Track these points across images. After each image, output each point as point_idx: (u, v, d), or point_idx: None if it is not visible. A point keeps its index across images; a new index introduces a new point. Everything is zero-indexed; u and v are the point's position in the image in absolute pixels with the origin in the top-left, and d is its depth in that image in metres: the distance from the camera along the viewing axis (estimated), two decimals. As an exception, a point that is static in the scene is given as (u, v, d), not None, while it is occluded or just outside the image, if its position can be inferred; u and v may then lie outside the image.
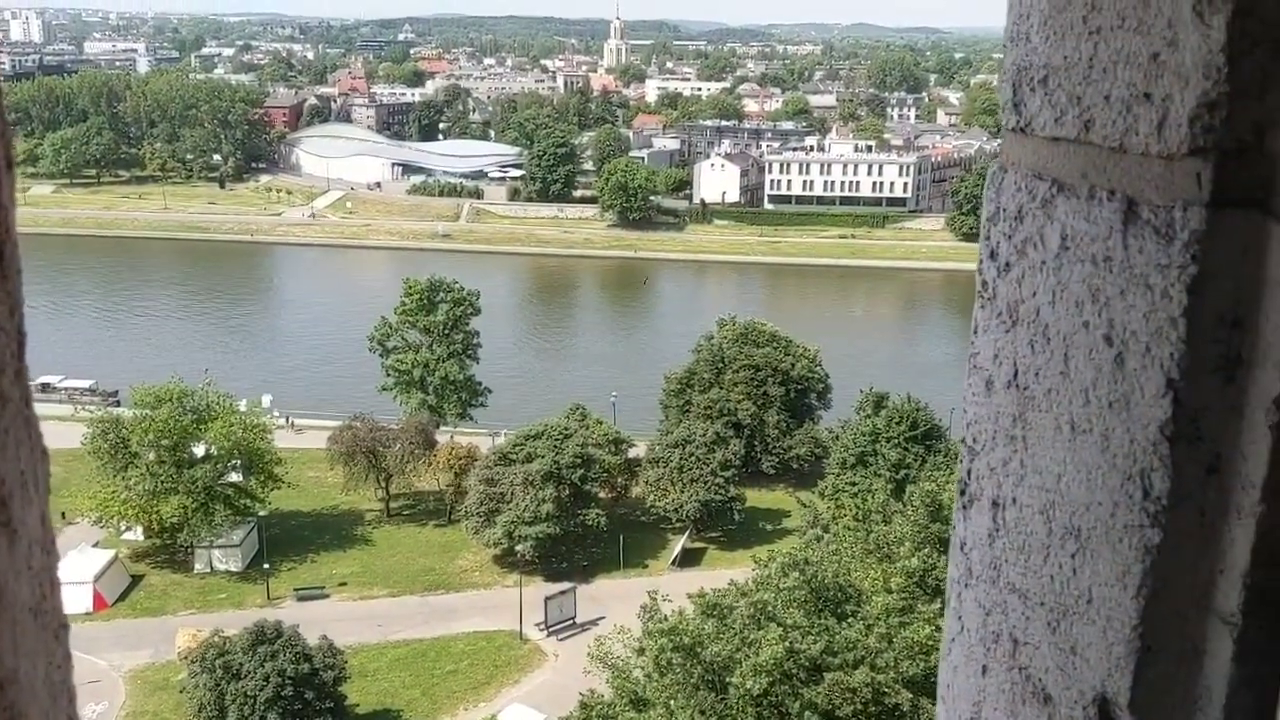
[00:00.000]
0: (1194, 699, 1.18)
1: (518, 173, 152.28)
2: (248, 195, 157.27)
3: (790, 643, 29.15)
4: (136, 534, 54.69)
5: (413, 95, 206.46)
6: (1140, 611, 1.21)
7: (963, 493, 1.53)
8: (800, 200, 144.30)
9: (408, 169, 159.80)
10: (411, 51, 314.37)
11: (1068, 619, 1.32)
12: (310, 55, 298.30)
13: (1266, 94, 1.07)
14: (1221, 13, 1.06)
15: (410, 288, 70.99)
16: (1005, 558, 1.44)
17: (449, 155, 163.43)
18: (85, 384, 75.18)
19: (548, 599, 49.15)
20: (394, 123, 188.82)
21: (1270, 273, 1.08)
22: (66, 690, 0.96)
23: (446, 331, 69.63)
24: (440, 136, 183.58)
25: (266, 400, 66.67)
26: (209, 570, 53.83)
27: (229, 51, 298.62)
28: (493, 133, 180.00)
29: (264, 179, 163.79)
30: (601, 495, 57.06)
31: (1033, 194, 1.34)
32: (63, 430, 52.27)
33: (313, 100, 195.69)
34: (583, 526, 53.22)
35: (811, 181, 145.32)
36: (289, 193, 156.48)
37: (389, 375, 70.06)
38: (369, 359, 72.59)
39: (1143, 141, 1.17)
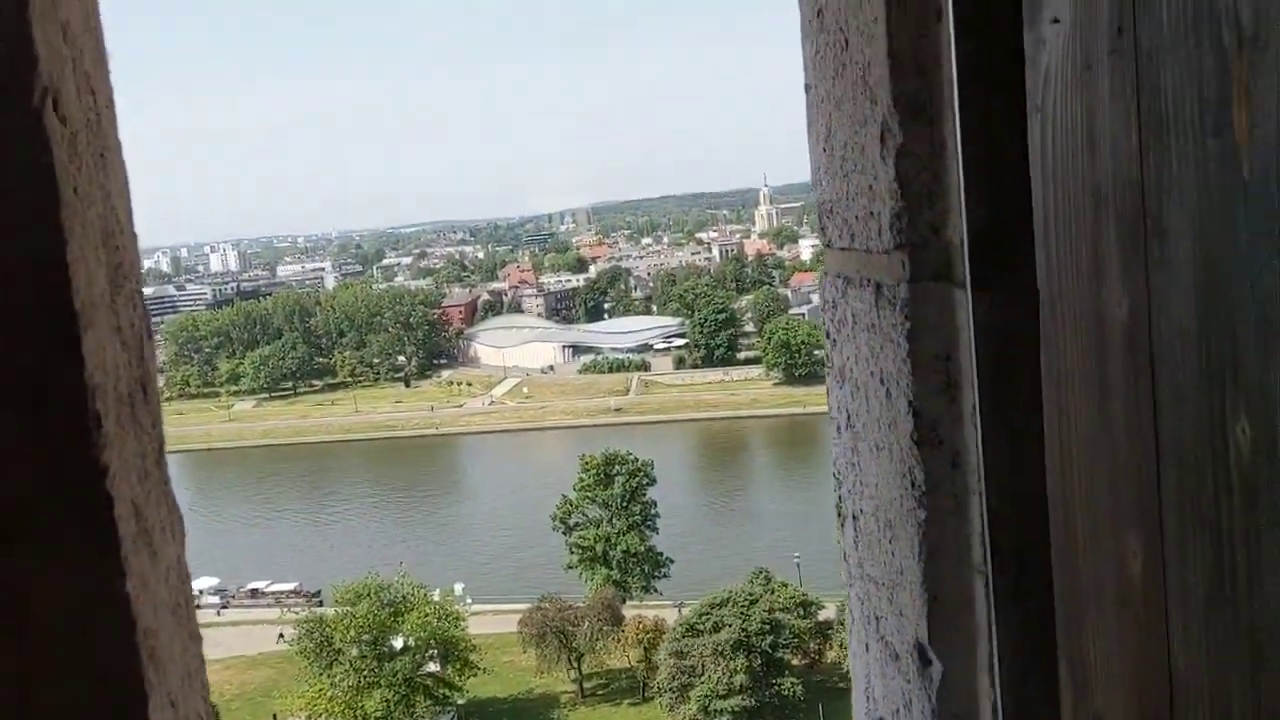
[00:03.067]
0: (970, 632, 1.59)
1: (681, 342, 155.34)
2: (431, 391, 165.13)
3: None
4: (343, 730, 55.94)
5: (577, 280, 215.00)
6: (923, 571, 1.62)
7: (839, 514, 1.97)
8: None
9: (577, 350, 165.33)
10: (573, 241, 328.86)
11: (896, 590, 1.74)
12: (481, 255, 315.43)
13: (934, 204, 1.56)
14: (893, 155, 1.58)
15: (587, 463, 72.42)
16: (864, 556, 1.87)
17: (615, 332, 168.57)
18: (290, 586, 78.72)
19: (750, 775, 47.41)
20: (562, 308, 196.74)
21: (959, 320, 1.53)
22: (201, 682, 1.23)
23: (624, 504, 70.31)
24: (606, 315, 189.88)
25: (459, 588, 68.18)
26: (413, 763, 54.32)
27: (407, 260, 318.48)
28: (655, 306, 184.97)
29: (445, 374, 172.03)
30: (795, 662, 55.31)
31: (838, 288, 1.88)
32: (270, 633, 54.53)
33: (485, 296, 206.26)
34: (779, 696, 51.51)
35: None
36: (469, 384, 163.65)
37: (573, 552, 70.84)
38: (553, 538, 73.74)
39: (876, 244, 1.68)
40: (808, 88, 1.88)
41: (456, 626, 58.15)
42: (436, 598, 59.96)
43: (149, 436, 1.18)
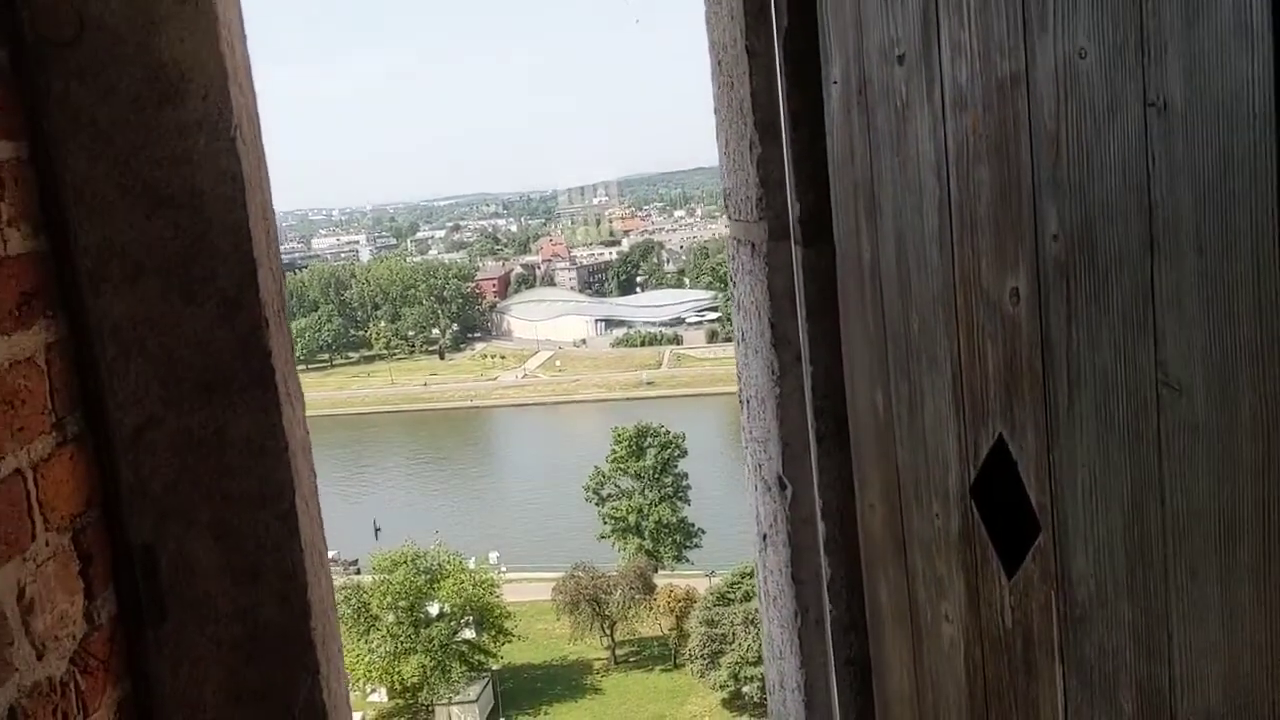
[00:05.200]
0: (809, 465, 2.30)
1: (714, 315, 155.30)
2: (465, 364, 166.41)
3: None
4: (381, 695, 57.14)
5: (610, 254, 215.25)
6: (779, 430, 2.37)
7: (739, 400, 2.73)
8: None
9: (610, 323, 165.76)
10: (606, 213, 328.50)
11: (767, 444, 2.48)
12: (514, 228, 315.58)
13: (781, 192, 2.32)
14: (756, 160, 2.30)
15: (619, 435, 73.12)
16: (752, 425, 2.60)
17: (648, 306, 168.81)
18: (329, 554, 79.97)
19: (779, 740, 48.08)
20: (594, 281, 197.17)
21: (795, 265, 2.26)
22: (318, 501, 2.07)
23: (656, 475, 71.00)
24: (638, 289, 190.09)
25: (493, 556, 69.25)
26: (449, 727, 55.44)
27: (440, 233, 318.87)
28: (687, 280, 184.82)
29: (479, 347, 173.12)
30: (824, 629, 55.83)
31: (735, 247, 2.56)
32: (311, 598, 55.59)
33: (519, 269, 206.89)
34: (808, 663, 52.06)
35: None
36: (502, 357, 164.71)
37: (605, 523, 71.68)
38: (586, 508, 74.59)
39: (751, 217, 2.40)
40: (716, 111, 2.63)
41: (491, 593, 59.16)
42: (472, 565, 61.00)
43: (287, 336, 1.92)
